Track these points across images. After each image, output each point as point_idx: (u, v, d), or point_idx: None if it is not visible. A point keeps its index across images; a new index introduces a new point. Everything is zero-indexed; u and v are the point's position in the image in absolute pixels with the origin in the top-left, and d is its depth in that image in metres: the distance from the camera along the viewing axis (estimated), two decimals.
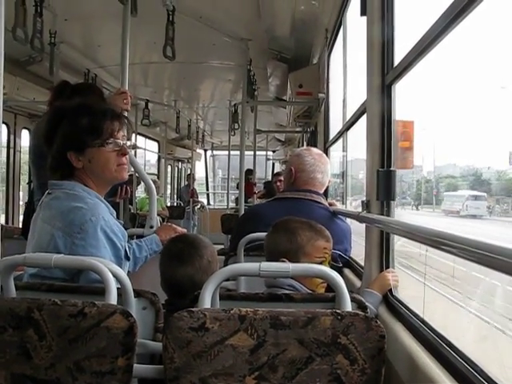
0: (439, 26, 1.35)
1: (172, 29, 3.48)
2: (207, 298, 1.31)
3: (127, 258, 1.83)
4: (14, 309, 1.33)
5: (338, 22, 3.66)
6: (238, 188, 6.95)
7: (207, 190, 14.79)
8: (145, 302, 1.53)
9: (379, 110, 1.93)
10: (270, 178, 12.05)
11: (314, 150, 2.76)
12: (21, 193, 6.54)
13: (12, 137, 6.20)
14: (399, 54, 1.86)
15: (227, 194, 9.96)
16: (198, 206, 10.46)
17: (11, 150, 6.23)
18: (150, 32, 3.84)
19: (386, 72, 1.93)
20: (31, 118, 6.38)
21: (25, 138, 6.47)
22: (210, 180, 14.91)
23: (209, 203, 13.14)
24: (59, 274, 1.63)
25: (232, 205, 9.64)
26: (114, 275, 1.43)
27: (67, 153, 1.76)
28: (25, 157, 6.53)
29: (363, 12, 2.20)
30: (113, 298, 1.39)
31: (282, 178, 7.04)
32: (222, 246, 5.85)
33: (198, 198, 11.38)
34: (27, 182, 6.38)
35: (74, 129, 1.76)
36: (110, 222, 1.72)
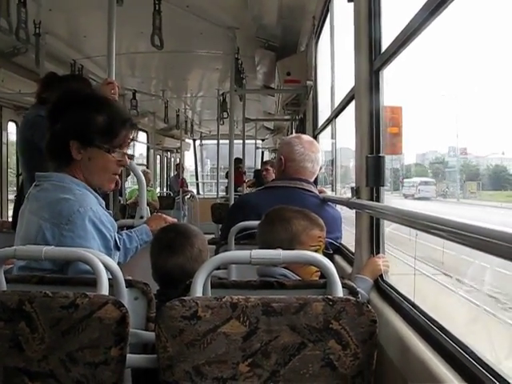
0: (426, 11, 1.36)
1: (159, 18, 3.47)
2: (199, 287, 1.31)
3: (117, 248, 1.82)
4: (5, 302, 1.33)
5: (325, 9, 3.65)
6: (227, 177, 6.95)
7: (197, 179, 14.76)
8: (136, 292, 1.53)
9: (367, 96, 1.93)
10: (259, 166, 12.06)
11: (305, 137, 2.75)
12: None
13: None
14: (386, 39, 1.86)
15: (217, 183, 9.95)
16: (188, 196, 10.44)
17: None
18: (137, 21, 3.82)
19: (373, 58, 1.93)
20: (17, 111, 6.31)
21: (11, 131, 6.42)
22: (199, 170, 14.89)
23: (198, 193, 13.12)
24: (48, 265, 1.62)
25: (222, 194, 9.64)
26: (105, 266, 1.42)
27: (70, 140, 1.71)
28: (12, 149, 6.48)
29: None
30: (104, 289, 1.39)
31: (268, 168, 7.11)
32: (213, 236, 5.85)
33: (187, 187, 11.36)
34: (16, 174, 6.34)
35: (89, 122, 1.71)
36: (98, 212, 1.70)
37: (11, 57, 5.41)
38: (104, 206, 1.83)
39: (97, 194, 1.82)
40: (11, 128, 6.42)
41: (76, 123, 1.71)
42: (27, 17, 3.39)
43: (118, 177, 1.85)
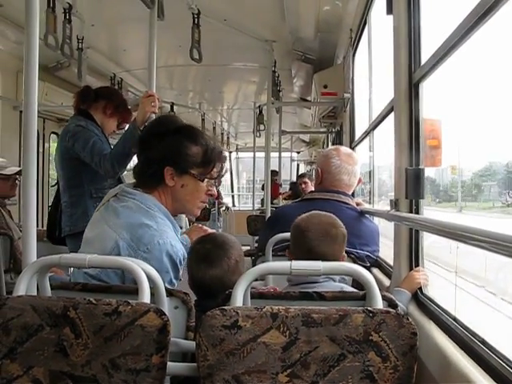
0: (468, 23, 1.35)
1: (197, 32, 3.51)
2: (239, 297, 1.32)
3: None
4: (51, 307, 1.36)
5: (363, 22, 3.65)
6: (263, 189, 6.96)
7: (232, 191, 14.82)
8: (177, 301, 1.55)
9: (407, 108, 1.93)
10: (295, 179, 12.05)
11: (343, 149, 2.74)
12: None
13: (41, 141, 6.29)
14: (426, 52, 1.86)
15: (253, 195, 9.98)
16: (223, 208, 10.49)
17: (40, 155, 6.33)
18: (175, 35, 3.88)
19: (413, 70, 1.93)
20: (59, 123, 6.48)
21: (53, 143, 6.58)
22: (234, 182, 14.96)
23: (234, 205, 13.16)
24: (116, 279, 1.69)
25: (257, 206, 9.65)
26: (147, 274, 1.45)
27: (166, 167, 1.79)
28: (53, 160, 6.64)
29: (389, 11, 2.19)
30: (146, 297, 1.41)
31: (306, 180, 7.22)
32: (248, 247, 5.88)
33: (222, 199, 11.41)
34: (52, 184, 6.47)
35: (187, 151, 1.80)
36: (176, 246, 1.75)
37: (55, 71, 5.57)
38: (179, 233, 1.89)
39: (174, 221, 1.87)
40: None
41: (174, 151, 1.79)
42: (72, 33, 3.49)
43: (204, 205, 1.95)
